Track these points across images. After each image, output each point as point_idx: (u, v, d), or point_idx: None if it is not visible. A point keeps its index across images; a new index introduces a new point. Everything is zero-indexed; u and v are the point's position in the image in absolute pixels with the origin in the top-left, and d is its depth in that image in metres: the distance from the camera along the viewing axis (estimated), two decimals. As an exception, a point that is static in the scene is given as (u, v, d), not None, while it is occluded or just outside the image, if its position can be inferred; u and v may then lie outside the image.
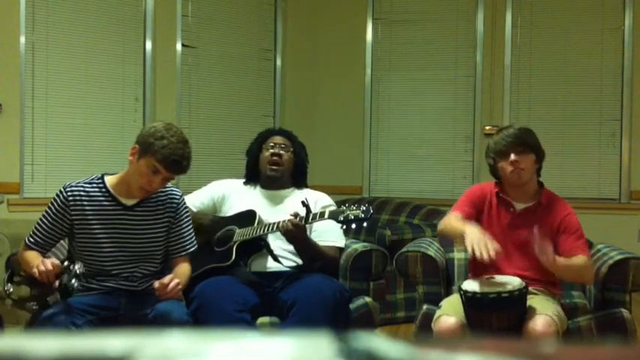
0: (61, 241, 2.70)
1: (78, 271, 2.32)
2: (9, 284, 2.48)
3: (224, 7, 5.43)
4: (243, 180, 3.16)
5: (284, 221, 2.70)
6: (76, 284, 2.32)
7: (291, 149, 3.09)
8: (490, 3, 5.53)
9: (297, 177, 3.12)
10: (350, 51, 5.87)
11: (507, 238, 2.70)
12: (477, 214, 2.74)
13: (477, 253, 2.36)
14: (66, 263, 2.37)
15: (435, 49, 5.70)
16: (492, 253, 2.36)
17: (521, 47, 5.51)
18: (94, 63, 4.80)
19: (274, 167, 3.03)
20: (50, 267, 2.30)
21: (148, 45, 4.97)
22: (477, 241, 2.39)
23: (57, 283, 2.33)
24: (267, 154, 3.06)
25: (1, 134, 4.46)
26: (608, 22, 5.38)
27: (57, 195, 2.60)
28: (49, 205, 2.61)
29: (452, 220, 2.66)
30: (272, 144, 3.07)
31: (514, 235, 2.72)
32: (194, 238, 2.74)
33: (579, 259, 2.60)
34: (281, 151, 3.05)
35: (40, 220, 2.60)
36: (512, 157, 2.64)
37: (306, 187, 3.15)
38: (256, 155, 3.11)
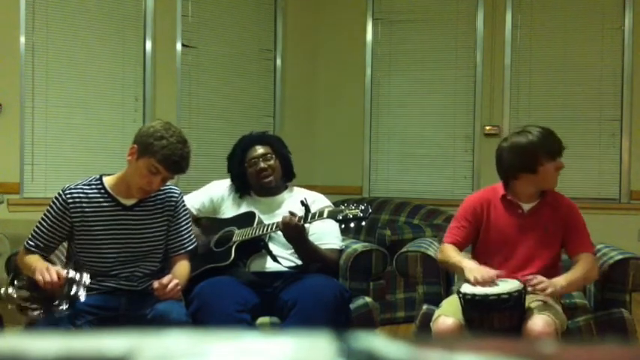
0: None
1: (86, 283, 2.33)
2: (11, 288, 2.42)
3: (224, 7, 5.43)
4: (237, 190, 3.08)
5: (283, 217, 2.70)
6: (84, 297, 2.33)
7: (274, 155, 2.99)
8: (490, 3, 5.53)
9: (286, 173, 3.08)
10: (350, 51, 5.86)
11: (517, 239, 2.71)
12: (475, 229, 2.77)
13: (480, 280, 2.49)
14: (71, 273, 2.34)
15: (435, 49, 5.70)
16: (493, 276, 2.51)
17: (521, 47, 5.51)
18: (94, 63, 4.80)
19: (265, 180, 2.96)
20: (56, 278, 2.29)
21: (148, 45, 4.97)
22: (477, 271, 2.53)
23: (65, 292, 2.31)
24: (252, 171, 2.96)
25: (1, 134, 4.47)
26: (608, 22, 5.37)
27: (56, 198, 2.58)
28: (48, 208, 2.59)
29: (448, 253, 2.71)
30: (253, 159, 2.96)
31: (524, 236, 2.72)
32: (193, 236, 2.74)
33: (580, 267, 2.62)
34: (266, 164, 2.95)
35: (40, 223, 2.58)
36: (559, 160, 2.73)
37: (294, 176, 3.11)
38: (242, 172, 3.00)
